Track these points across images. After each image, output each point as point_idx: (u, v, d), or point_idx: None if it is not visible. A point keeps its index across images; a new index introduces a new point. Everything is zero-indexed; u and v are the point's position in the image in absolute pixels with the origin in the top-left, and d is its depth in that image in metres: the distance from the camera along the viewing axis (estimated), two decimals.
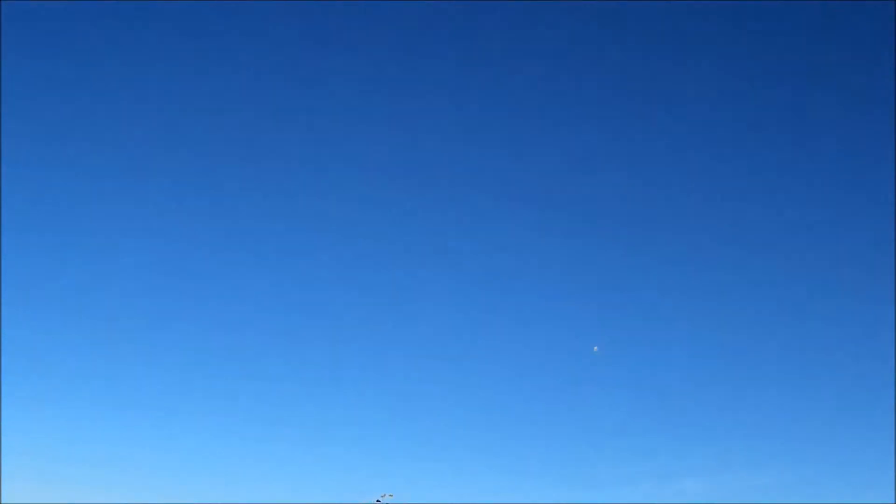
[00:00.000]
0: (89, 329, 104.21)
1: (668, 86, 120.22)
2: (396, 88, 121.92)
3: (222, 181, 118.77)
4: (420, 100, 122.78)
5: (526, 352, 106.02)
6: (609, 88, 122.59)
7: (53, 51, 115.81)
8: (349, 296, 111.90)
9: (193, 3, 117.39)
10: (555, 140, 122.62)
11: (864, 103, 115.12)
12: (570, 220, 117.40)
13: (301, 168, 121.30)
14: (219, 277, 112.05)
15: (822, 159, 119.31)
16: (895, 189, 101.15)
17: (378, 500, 35.07)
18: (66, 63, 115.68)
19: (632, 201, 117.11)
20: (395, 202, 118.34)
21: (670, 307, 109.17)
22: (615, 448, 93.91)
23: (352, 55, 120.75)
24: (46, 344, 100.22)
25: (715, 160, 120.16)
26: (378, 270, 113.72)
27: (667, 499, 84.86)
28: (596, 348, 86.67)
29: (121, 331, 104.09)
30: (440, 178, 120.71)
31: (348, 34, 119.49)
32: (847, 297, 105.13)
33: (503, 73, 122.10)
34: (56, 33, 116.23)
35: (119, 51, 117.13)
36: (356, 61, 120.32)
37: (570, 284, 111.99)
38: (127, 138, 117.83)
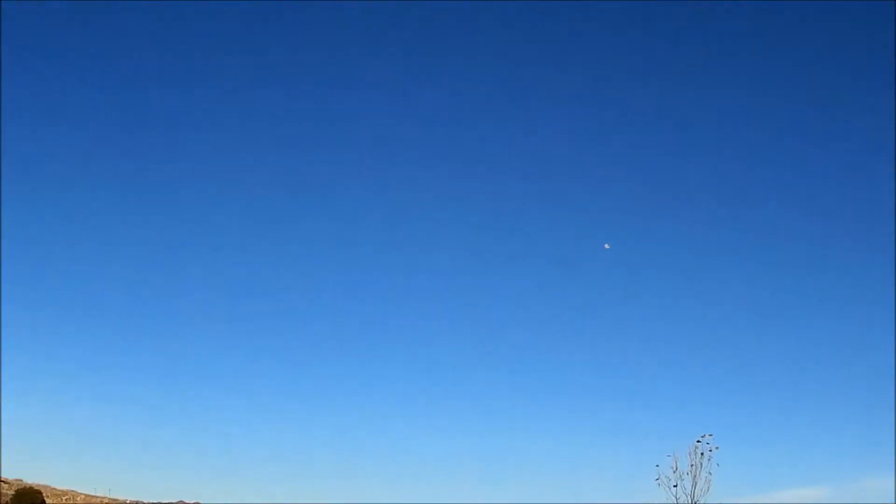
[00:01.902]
0: (92, 325, 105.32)
1: (669, 84, 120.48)
2: (396, 87, 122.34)
3: (224, 179, 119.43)
4: (421, 98, 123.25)
5: None
6: (609, 86, 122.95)
7: (53, 51, 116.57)
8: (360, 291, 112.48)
9: (194, 3, 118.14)
10: (556, 133, 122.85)
11: (865, 103, 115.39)
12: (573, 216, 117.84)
13: (301, 166, 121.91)
14: (222, 275, 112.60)
15: (823, 157, 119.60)
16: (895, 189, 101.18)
17: None
18: (67, 62, 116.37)
19: (634, 199, 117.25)
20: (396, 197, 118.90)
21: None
22: None
23: (349, 53, 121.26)
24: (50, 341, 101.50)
25: (716, 156, 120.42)
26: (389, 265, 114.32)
27: None
28: (607, 245, 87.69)
29: (123, 328, 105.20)
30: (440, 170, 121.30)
31: (348, 32, 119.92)
32: None
33: (504, 72, 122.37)
34: (56, 33, 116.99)
35: (119, 50, 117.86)
36: (354, 60, 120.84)
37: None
38: (127, 138, 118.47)
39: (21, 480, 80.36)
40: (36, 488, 77.49)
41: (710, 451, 36.25)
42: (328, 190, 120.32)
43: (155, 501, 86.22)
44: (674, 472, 36.41)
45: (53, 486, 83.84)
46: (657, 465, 36.73)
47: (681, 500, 36.24)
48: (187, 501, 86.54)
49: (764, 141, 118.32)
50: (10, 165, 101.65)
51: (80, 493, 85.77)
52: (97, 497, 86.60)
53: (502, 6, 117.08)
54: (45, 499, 76.11)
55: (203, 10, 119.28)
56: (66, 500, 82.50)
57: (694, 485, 36.23)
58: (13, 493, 73.73)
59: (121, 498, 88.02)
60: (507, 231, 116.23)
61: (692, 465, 36.26)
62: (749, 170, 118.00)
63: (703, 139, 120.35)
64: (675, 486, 36.23)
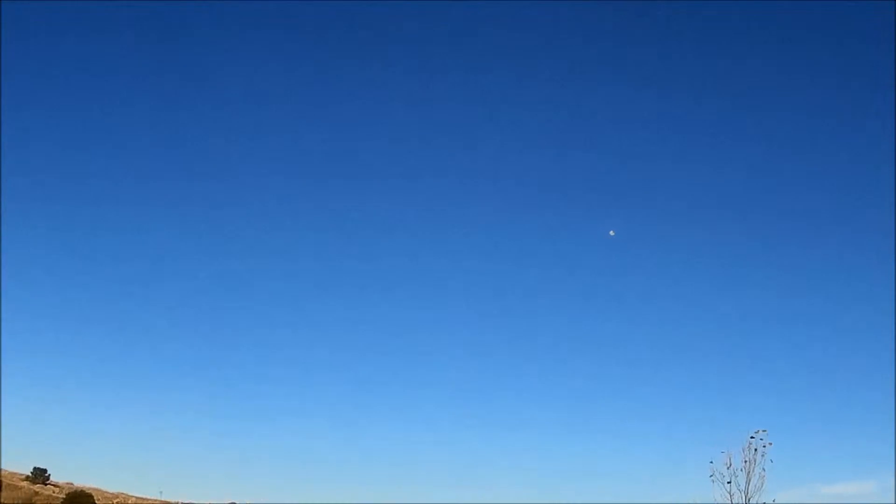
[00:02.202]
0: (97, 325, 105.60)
1: (670, 83, 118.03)
2: (394, 88, 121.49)
3: (224, 179, 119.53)
4: (420, 98, 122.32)
5: None
6: (611, 85, 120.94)
7: (54, 50, 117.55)
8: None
9: (195, 3, 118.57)
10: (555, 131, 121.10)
11: (864, 102, 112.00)
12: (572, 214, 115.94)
13: (300, 166, 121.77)
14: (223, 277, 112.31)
15: (823, 156, 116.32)
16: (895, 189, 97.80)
17: None
18: (67, 62, 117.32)
19: (633, 198, 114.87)
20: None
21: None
22: None
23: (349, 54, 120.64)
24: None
25: (717, 155, 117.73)
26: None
27: None
28: (612, 232, 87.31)
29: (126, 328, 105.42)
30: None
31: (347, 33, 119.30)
32: None
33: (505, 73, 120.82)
34: (56, 33, 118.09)
35: (119, 50, 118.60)
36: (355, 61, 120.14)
37: None
38: (128, 137, 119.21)
39: (72, 484, 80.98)
40: (87, 491, 77.98)
41: (764, 447, 34.77)
42: (329, 190, 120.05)
43: (206, 502, 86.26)
44: (728, 468, 35.08)
45: (104, 489, 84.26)
46: (711, 462, 35.49)
47: (735, 497, 34.96)
48: (238, 502, 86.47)
49: (765, 140, 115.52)
50: (10, 165, 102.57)
51: (132, 496, 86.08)
52: (148, 500, 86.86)
53: (502, 7, 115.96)
54: (96, 502, 76.48)
55: (204, 9, 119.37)
56: (116, 502, 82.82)
57: (748, 481, 35.00)
58: (64, 496, 74.22)
59: (172, 500, 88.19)
60: (528, 233, 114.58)
61: (746, 462, 35.02)
62: (755, 168, 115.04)
63: (704, 141, 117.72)
64: (728, 482, 34.92)
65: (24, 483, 77.37)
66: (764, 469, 34.55)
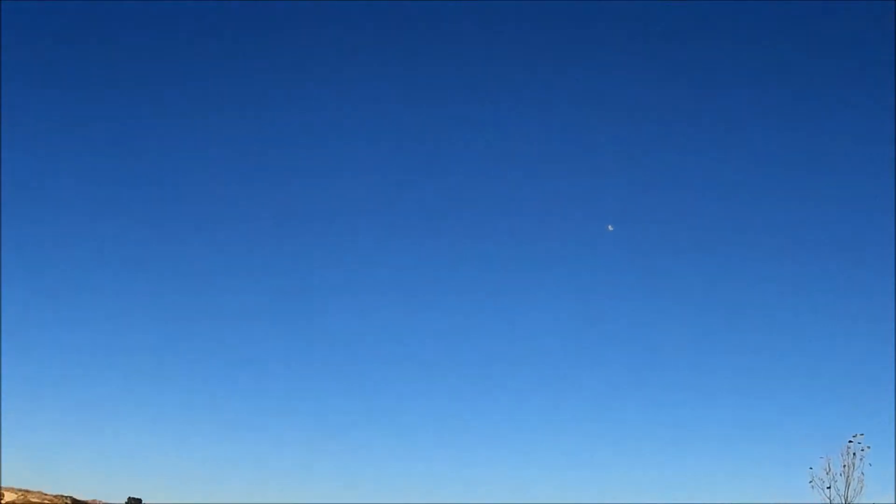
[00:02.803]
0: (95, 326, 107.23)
1: (667, 80, 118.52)
2: (392, 84, 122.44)
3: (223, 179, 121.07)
4: (416, 93, 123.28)
5: None
6: (609, 82, 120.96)
7: (54, 50, 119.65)
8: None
9: (194, 3, 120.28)
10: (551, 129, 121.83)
11: (865, 103, 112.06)
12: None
13: (300, 167, 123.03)
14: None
15: (823, 157, 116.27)
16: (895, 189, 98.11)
17: None
18: (67, 62, 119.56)
19: (631, 198, 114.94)
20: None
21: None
22: None
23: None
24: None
25: (715, 157, 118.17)
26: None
27: None
28: (610, 227, 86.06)
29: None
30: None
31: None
32: None
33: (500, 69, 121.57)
34: (56, 33, 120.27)
35: (120, 50, 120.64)
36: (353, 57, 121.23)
37: None
38: (128, 138, 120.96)
39: None
40: None
41: (862, 451, 36.55)
42: (326, 189, 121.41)
43: None
44: (827, 473, 36.87)
45: None
46: (810, 468, 37.30)
47: (834, 500, 36.71)
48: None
49: (765, 138, 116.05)
50: (10, 166, 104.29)
51: None
52: None
53: (499, 3, 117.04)
54: None
55: (203, 9, 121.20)
56: None
57: (847, 485, 36.69)
58: None
59: None
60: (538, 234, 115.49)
61: (845, 466, 36.74)
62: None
63: (703, 136, 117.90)
64: (828, 487, 36.64)
65: None
66: (863, 473, 36.34)
